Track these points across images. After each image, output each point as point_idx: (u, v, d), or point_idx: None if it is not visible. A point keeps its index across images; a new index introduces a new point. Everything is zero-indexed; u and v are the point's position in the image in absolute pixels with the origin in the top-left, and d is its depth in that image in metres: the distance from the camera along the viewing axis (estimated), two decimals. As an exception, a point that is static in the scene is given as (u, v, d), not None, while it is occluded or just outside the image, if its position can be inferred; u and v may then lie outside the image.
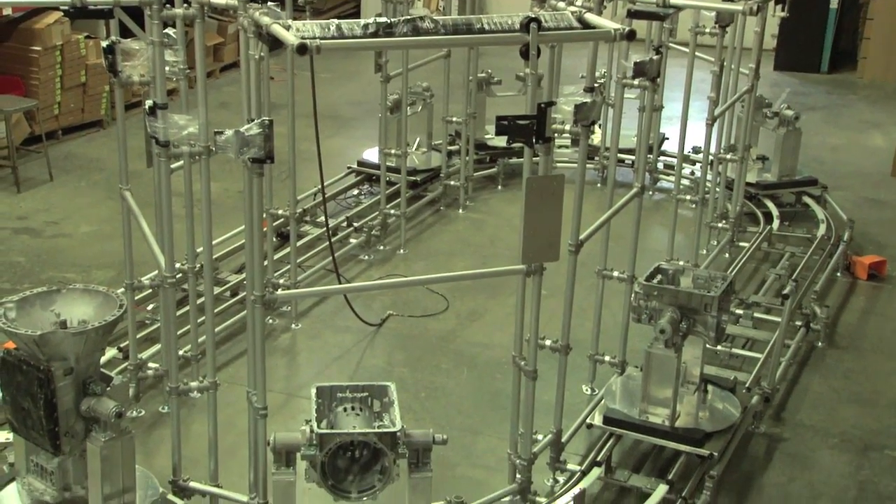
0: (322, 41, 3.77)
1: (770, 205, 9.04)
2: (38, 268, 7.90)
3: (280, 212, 7.39)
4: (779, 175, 9.09)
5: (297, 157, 7.01)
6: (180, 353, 5.74)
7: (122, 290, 5.73)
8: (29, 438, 4.54)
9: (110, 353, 6.19)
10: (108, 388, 4.46)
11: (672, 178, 8.56)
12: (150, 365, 6.07)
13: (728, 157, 8.24)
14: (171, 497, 4.81)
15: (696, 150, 9.70)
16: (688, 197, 7.95)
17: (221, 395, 5.16)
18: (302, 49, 3.68)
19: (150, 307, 6.82)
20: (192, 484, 5.01)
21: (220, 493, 4.99)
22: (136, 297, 6.36)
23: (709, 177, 8.14)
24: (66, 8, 5.30)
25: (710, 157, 8.04)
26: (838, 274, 8.14)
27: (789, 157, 9.08)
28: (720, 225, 8.34)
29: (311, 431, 4.12)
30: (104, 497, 4.46)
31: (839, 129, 12.35)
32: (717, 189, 8.36)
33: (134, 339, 6.03)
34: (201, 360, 5.87)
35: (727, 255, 8.21)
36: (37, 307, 4.55)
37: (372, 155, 9.31)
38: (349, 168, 9.53)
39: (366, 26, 4.06)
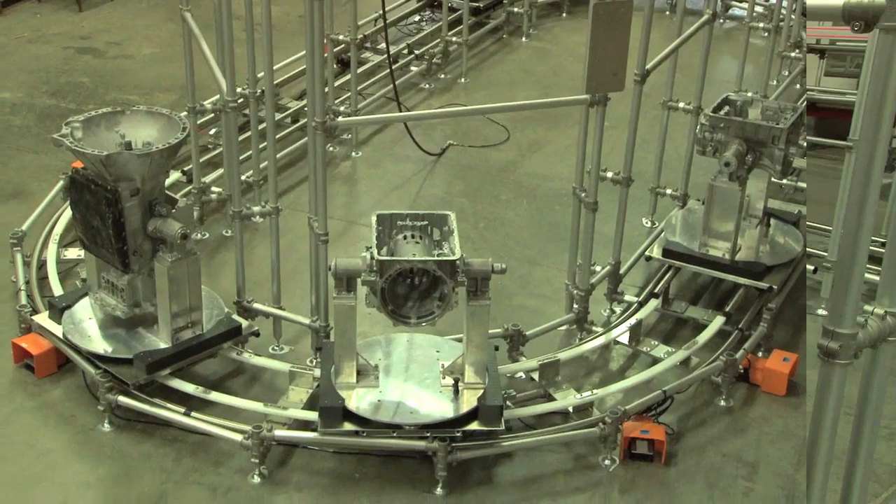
0: None
1: (848, 34, 8.68)
2: (101, 89, 7.95)
3: (341, 37, 7.29)
4: (860, 2, 8.67)
5: (358, -20, 6.85)
6: (242, 178, 5.80)
7: (185, 113, 5.74)
8: (99, 256, 4.69)
9: (174, 176, 6.28)
10: (174, 210, 4.55)
11: (745, 5, 8.23)
12: (214, 189, 6.16)
13: (806, -17, 7.89)
14: (235, 317, 4.96)
15: (772, -24, 9.28)
16: (760, 25, 7.67)
17: (283, 221, 5.24)
18: None
19: (212, 131, 6.86)
20: (256, 305, 5.16)
21: (282, 314, 5.14)
22: (199, 121, 6.40)
23: (784, 3, 7.80)
24: None
25: (787, -17, 7.70)
26: (915, 108, 7.87)
27: (873, -19, 8.64)
28: (793, 54, 8.04)
29: (372, 258, 4.17)
30: (172, 314, 4.63)
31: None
32: (793, 16, 8.03)
33: (197, 163, 6.10)
34: (263, 186, 5.93)
35: (798, 85, 7.96)
36: (102, 128, 4.61)
37: (434, -22, 9.07)
38: (411, -8, 9.32)
39: None
